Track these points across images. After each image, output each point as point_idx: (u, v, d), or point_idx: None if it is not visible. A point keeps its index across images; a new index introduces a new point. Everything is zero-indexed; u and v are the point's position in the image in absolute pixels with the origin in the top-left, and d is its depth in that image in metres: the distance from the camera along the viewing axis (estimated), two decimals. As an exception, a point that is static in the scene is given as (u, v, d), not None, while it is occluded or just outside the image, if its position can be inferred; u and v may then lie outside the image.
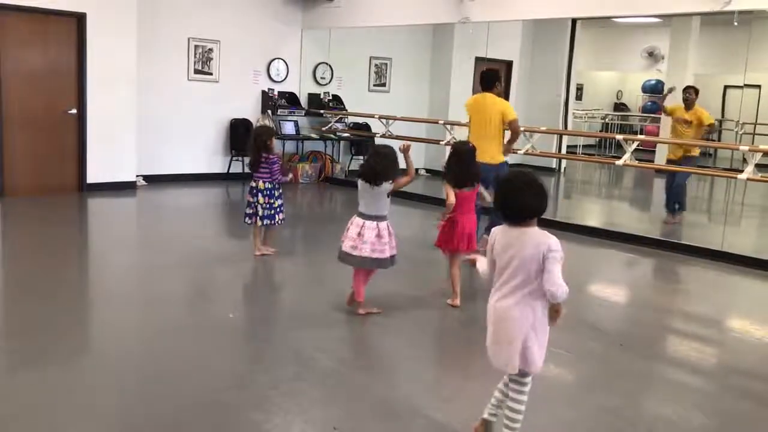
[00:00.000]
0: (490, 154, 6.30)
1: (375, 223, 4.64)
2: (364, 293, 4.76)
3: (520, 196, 2.81)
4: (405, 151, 4.81)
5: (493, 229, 2.97)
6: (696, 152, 8.58)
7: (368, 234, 4.61)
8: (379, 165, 4.61)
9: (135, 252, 6.74)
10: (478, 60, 11.69)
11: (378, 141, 11.12)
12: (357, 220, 4.67)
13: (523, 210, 2.81)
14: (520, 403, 2.94)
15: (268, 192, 6.08)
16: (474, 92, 11.92)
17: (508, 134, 6.70)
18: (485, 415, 3.05)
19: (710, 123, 8.50)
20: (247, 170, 10.43)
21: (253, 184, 6.13)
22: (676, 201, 8.66)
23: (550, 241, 2.77)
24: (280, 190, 6.20)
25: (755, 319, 5.56)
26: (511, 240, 2.83)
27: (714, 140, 8.57)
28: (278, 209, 6.15)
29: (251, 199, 6.13)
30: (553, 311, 2.87)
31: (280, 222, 6.21)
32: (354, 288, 4.76)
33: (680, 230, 8.50)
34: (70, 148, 8.87)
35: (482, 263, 3.01)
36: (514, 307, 2.83)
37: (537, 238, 2.79)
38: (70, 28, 8.67)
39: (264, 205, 6.07)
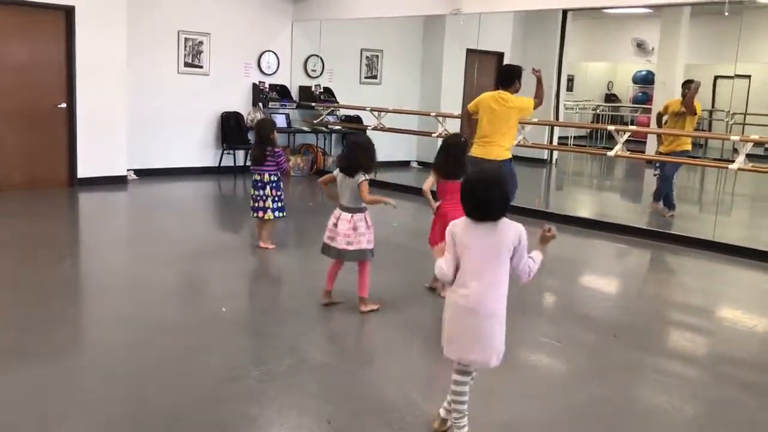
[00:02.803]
0: (496, 152, 6.07)
1: (350, 215, 4.63)
2: (332, 284, 4.79)
3: (492, 195, 2.83)
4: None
5: (452, 223, 2.96)
6: (689, 146, 8.51)
7: (342, 225, 4.62)
8: (360, 157, 4.61)
9: (127, 246, 6.71)
10: (470, 52, 11.69)
11: (370, 133, 11.14)
12: (336, 212, 4.70)
13: (493, 209, 2.84)
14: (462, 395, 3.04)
15: (275, 184, 6.14)
16: (466, 84, 11.98)
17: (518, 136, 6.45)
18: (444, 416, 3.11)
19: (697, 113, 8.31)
20: (239, 164, 10.51)
21: (258, 178, 6.15)
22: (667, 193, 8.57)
23: (521, 231, 2.85)
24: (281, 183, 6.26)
25: (747, 309, 5.60)
26: (480, 232, 2.85)
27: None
28: (283, 201, 6.24)
29: (257, 193, 6.16)
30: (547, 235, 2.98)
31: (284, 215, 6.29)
32: (327, 277, 4.79)
33: (672, 220, 8.52)
34: (60, 143, 8.82)
35: (441, 261, 2.98)
36: (490, 302, 2.85)
37: (511, 230, 2.84)
38: (58, 21, 8.60)
39: (274, 197, 6.13)
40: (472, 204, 2.87)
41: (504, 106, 6.07)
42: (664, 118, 8.64)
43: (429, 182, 5.06)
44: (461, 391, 3.00)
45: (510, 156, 6.16)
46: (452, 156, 5.00)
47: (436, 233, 5.06)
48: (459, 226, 2.92)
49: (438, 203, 5.05)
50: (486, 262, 2.84)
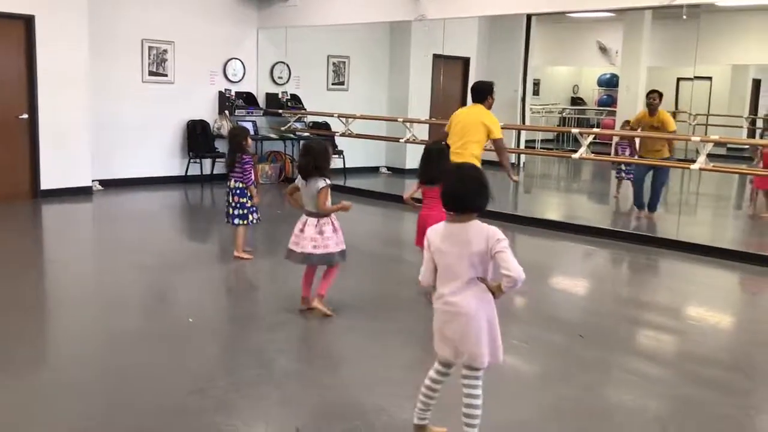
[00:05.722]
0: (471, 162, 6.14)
1: (315, 219, 4.66)
2: (310, 290, 4.78)
3: (468, 189, 2.84)
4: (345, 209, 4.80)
5: (430, 229, 2.97)
6: (667, 153, 8.53)
7: (308, 230, 4.65)
8: (309, 161, 4.65)
9: (92, 258, 6.62)
10: (436, 57, 11.75)
11: (338, 140, 11.15)
12: (302, 218, 4.74)
13: (468, 203, 2.83)
14: (477, 398, 2.95)
15: (239, 192, 6.09)
16: (433, 89, 12.05)
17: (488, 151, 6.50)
18: (416, 421, 3.07)
19: (673, 130, 8.39)
20: (205, 172, 10.43)
21: (228, 183, 6.17)
22: (654, 200, 8.59)
23: (495, 232, 2.80)
24: (249, 190, 6.15)
25: (710, 307, 5.70)
26: (456, 235, 2.85)
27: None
28: (251, 209, 6.14)
29: (226, 199, 6.19)
30: (497, 289, 2.83)
31: (254, 222, 6.20)
32: (302, 285, 4.80)
33: (644, 222, 8.63)
34: (22, 154, 8.67)
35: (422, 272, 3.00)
36: (471, 302, 2.85)
37: (483, 231, 2.81)
38: (18, 31, 8.47)
39: (234, 204, 6.09)
40: (449, 195, 2.87)
41: (475, 117, 6.16)
42: (639, 129, 8.66)
43: (410, 191, 5.09)
44: (471, 395, 2.96)
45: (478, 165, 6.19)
46: (433, 162, 5.02)
47: (419, 235, 5.12)
48: (436, 230, 2.93)
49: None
50: (455, 265, 2.85)
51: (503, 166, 6.39)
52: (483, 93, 6.22)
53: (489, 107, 6.21)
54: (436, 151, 5.08)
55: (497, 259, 2.77)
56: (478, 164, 6.12)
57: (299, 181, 4.73)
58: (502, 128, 6.31)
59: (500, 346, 2.93)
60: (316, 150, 4.71)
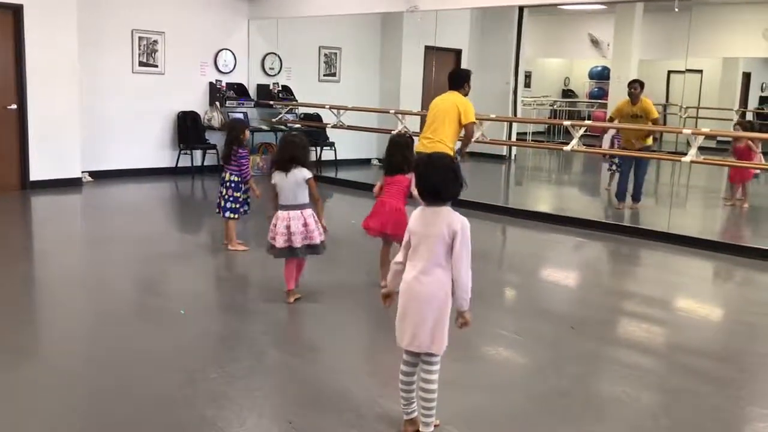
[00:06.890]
0: (439, 147, 5.96)
1: (299, 212, 4.69)
2: (293, 283, 4.83)
3: (441, 180, 2.91)
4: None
5: (413, 212, 3.04)
6: (650, 142, 8.63)
7: (295, 224, 4.68)
8: (289, 152, 4.71)
9: (82, 250, 6.58)
10: (428, 49, 11.72)
11: (329, 131, 11.13)
12: (281, 214, 4.71)
13: (440, 192, 2.91)
14: (433, 383, 2.97)
15: (234, 185, 6.12)
16: (425, 81, 12.02)
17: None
18: (405, 417, 3.09)
19: (656, 117, 8.50)
20: (196, 164, 10.39)
21: (223, 176, 6.20)
22: (638, 189, 8.65)
23: (455, 221, 2.87)
24: (247, 184, 6.21)
25: (700, 298, 5.73)
26: (427, 219, 2.93)
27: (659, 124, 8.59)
28: (243, 202, 6.18)
29: (220, 190, 6.22)
30: (461, 318, 2.93)
31: (244, 213, 6.25)
32: (285, 278, 4.83)
33: (627, 213, 8.66)
34: (10, 145, 8.60)
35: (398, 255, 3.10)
36: (429, 284, 2.89)
37: (447, 217, 2.88)
38: (6, 20, 8.39)
39: (228, 197, 6.10)
40: (424, 185, 2.95)
41: (448, 101, 6.17)
42: (616, 121, 8.73)
43: (379, 185, 5.15)
44: (427, 380, 2.99)
45: (451, 155, 6.18)
46: (398, 152, 5.05)
47: (368, 218, 5.16)
48: (414, 214, 3.01)
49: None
50: (422, 247, 2.91)
51: (462, 146, 6.40)
52: (460, 80, 6.25)
53: (465, 95, 6.24)
54: (400, 144, 5.16)
55: (453, 253, 2.84)
56: (449, 152, 6.13)
57: (275, 175, 4.73)
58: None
59: (444, 338, 2.93)
60: (295, 143, 4.78)
